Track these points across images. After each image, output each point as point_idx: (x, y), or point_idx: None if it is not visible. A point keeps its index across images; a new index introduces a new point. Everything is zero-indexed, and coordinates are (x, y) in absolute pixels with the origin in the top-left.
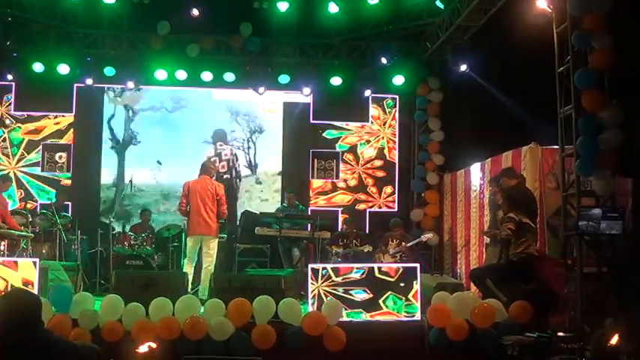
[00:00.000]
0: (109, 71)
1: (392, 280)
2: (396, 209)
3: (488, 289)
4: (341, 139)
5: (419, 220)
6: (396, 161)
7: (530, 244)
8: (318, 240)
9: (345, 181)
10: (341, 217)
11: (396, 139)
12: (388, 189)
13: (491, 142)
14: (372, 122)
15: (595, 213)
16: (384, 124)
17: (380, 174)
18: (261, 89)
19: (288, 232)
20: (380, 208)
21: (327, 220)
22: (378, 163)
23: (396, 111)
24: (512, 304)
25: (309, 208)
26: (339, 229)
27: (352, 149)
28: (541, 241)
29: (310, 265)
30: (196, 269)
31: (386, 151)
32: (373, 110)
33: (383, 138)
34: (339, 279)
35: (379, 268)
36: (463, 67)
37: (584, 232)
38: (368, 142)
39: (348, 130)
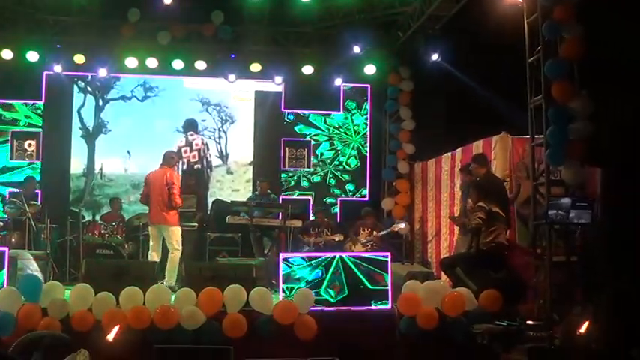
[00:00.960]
0: (79, 59)
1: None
2: (367, 198)
3: (458, 278)
4: (310, 136)
5: (390, 209)
6: (367, 150)
7: (500, 233)
8: (289, 229)
9: (309, 178)
10: (312, 206)
11: (367, 128)
12: (351, 186)
13: (462, 132)
14: (345, 114)
15: (564, 202)
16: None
17: (346, 175)
18: (232, 77)
19: (259, 221)
20: (352, 197)
21: (298, 209)
22: (348, 163)
23: (366, 100)
24: (482, 292)
25: (280, 197)
26: (311, 218)
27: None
28: (511, 230)
29: (281, 254)
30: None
31: (353, 153)
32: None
33: (352, 146)
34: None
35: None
36: (434, 57)
37: (553, 222)
38: (332, 144)
39: (319, 129)
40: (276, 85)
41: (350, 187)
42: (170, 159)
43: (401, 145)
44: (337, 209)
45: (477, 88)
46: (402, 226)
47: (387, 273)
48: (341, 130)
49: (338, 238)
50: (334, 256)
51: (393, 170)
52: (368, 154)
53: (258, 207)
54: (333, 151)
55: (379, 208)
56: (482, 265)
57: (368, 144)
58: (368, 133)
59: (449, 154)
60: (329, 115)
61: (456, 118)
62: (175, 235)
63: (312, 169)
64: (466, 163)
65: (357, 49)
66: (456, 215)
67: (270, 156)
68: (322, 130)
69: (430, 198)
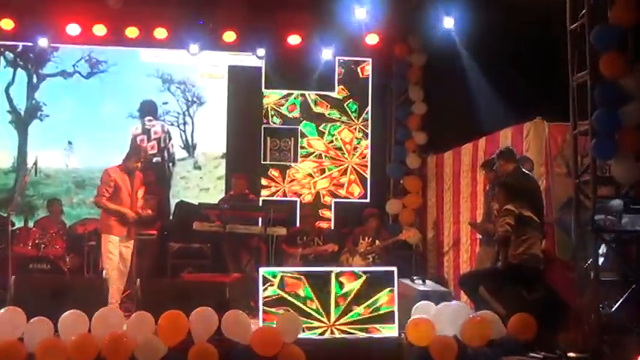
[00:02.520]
0: (6, 24)
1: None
2: (367, 199)
3: (482, 299)
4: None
5: (396, 213)
6: (369, 140)
7: (534, 243)
8: (271, 238)
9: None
10: (300, 210)
11: (369, 113)
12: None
13: (486, 117)
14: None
15: (615, 205)
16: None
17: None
18: (194, 47)
19: (234, 228)
20: (348, 198)
21: (282, 213)
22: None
23: (368, 78)
24: (512, 317)
25: (261, 198)
26: (298, 224)
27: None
28: (548, 240)
29: (262, 270)
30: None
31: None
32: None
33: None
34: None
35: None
36: (449, 23)
37: (601, 229)
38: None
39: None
40: (257, 58)
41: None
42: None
43: (410, 134)
44: (330, 213)
45: (505, 62)
46: (411, 232)
47: (394, 292)
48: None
49: (331, 249)
50: (328, 272)
51: (400, 165)
52: (369, 145)
53: (233, 210)
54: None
55: (383, 211)
56: (511, 283)
57: (369, 132)
58: (369, 119)
59: (470, 144)
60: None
61: (478, 99)
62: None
63: (300, 163)
64: (489, 158)
65: (357, 14)
66: (478, 221)
67: (247, 147)
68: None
69: (447, 199)
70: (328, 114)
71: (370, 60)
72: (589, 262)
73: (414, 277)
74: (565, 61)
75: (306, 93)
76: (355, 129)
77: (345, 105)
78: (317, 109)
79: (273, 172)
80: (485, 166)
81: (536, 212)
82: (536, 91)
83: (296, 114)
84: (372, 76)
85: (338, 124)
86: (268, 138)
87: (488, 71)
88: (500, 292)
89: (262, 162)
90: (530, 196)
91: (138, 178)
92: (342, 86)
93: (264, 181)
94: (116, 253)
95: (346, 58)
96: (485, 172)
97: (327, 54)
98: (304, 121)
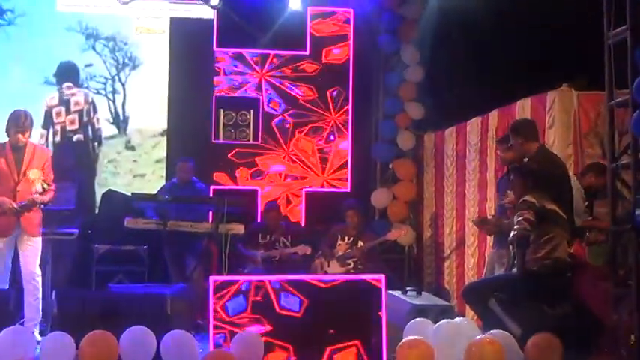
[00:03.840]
0: None
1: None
2: (348, 188)
3: (492, 315)
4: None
5: (384, 205)
6: (349, 113)
7: (559, 244)
8: (225, 237)
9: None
10: (262, 202)
11: (349, 79)
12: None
13: (499, 84)
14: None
15: None
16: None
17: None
18: None
19: (177, 225)
20: (323, 187)
21: (240, 206)
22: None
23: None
24: (531, 337)
25: (212, 187)
26: (260, 221)
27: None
28: (577, 240)
29: (213, 278)
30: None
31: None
32: None
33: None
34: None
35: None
36: None
37: None
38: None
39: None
40: (209, 8)
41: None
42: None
43: (402, 106)
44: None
45: (523, 14)
46: (402, 230)
47: (380, 306)
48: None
49: (302, 251)
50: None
51: (389, 145)
52: (350, 120)
53: (177, 202)
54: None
55: (367, 204)
56: (530, 295)
57: (350, 103)
58: (350, 88)
59: (478, 119)
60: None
61: (489, 62)
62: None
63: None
64: (505, 135)
65: None
66: (488, 217)
67: (194, 122)
68: None
69: (448, 189)
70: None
71: (352, 11)
72: (628, 268)
73: (407, 288)
74: (599, 14)
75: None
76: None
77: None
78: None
79: (228, 154)
80: (501, 144)
81: (562, 205)
82: (563, 52)
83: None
84: (353, 31)
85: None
86: (221, 111)
87: (502, 26)
88: (516, 306)
89: (214, 141)
90: (556, 185)
91: (32, 156)
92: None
93: (216, 166)
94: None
95: (320, 9)
96: (501, 152)
97: (295, 3)
98: (268, 92)
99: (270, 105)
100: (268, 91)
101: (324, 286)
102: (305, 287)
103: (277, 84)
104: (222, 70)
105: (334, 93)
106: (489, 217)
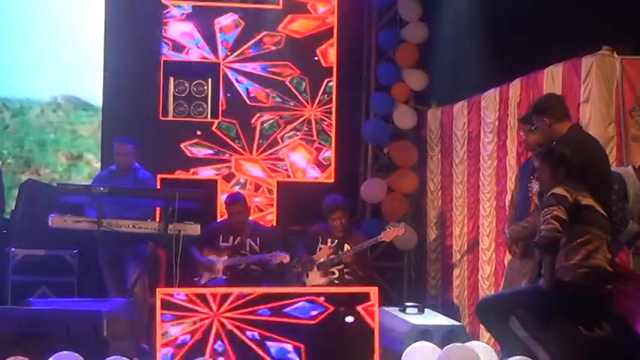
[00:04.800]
0: None
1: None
2: (332, 179)
3: (513, 338)
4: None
5: (377, 199)
6: (333, 85)
7: (597, 249)
8: (176, 240)
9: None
10: (222, 195)
11: (334, 39)
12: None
13: (521, 47)
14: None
15: None
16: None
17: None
18: None
19: (116, 224)
20: (301, 177)
21: (195, 200)
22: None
23: None
24: None
25: (159, 176)
26: (221, 219)
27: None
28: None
29: (160, 291)
30: None
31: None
32: None
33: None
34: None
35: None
36: None
37: None
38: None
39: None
40: None
41: (297, 157)
42: None
43: (400, 74)
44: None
45: None
46: (400, 230)
47: (373, 327)
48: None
49: (277, 259)
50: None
51: (383, 124)
52: (333, 91)
53: (115, 195)
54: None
55: (356, 198)
56: (561, 313)
57: (334, 70)
58: (334, 50)
59: (496, 90)
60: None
61: (510, 18)
62: None
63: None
64: (529, 112)
65: None
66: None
67: (137, 94)
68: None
69: (458, 178)
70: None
71: None
72: None
73: (407, 304)
74: None
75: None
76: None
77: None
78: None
79: (181, 134)
80: (524, 124)
81: (601, 199)
82: (603, 6)
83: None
84: None
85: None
86: (171, 79)
87: None
88: (544, 326)
89: (162, 118)
90: (593, 174)
91: None
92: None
93: (165, 149)
94: None
95: None
96: (525, 133)
97: None
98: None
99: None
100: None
101: (313, 323)
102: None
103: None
104: (172, 29)
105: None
106: (524, 225)
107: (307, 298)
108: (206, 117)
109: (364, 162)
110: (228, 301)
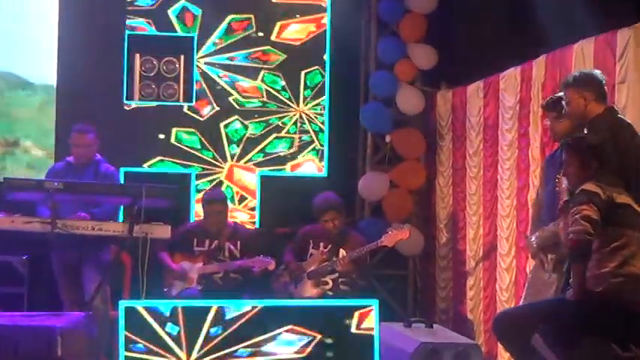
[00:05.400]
0: None
1: None
2: (324, 172)
3: (536, 357)
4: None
5: (379, 197)
6: (325, 62)
7: (635, 255)
8: (143, 243)
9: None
10: (197, 191)
11: (327, 13)
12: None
13: (547, 19)
14: None
15: None
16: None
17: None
18: None
19: (72, 226)
20: (291, 170)
21: (165, 197)
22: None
23: None
24: None
25: (123, 169)
26: (195, 220)
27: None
28: None
29: (124, 304)
30: None
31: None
32: None
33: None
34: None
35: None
36: None
37: None
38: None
39: None
40: None
41: (285, 147)
42: None
43: (405, 50)
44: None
45: None
46: (404, 233)
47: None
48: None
49: (261, 265)
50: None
51: (384, 108)
52: (327, 72)
53: (72, 192)
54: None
55: (352, 195)
56: (592, 329)
57: (326, 47)
58: (327, 19)
59: (517, 69)
60: None
61: None
62: None
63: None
64: (556, 95)
65: None
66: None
67: (98, 73)
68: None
69: (473, 172)
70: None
71: None
72: None
73: (412, 319)
74: None
75: None
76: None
77: None
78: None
79: (149, 120)
80: (550, 109)
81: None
82: None
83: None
84: None
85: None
86: (137, 56)
87: None
88: (572, 344)
89: (126, 101)
90: (630, 168)
91: None
92: None
93: (130, 138)
94: None
95: None
96: (551, 120)
97: None
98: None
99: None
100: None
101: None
102: None
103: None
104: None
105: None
106: (554, 229)
107: (289, 328)
108: (178, 100)
109: (362, 153)
110: (198, 346)
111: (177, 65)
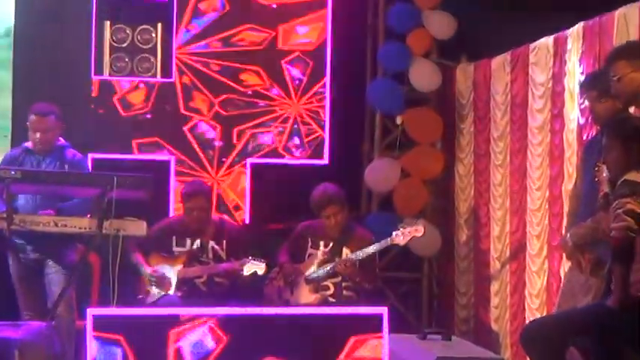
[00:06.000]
0: None
1: None
2: (325, 160)
3: None
4: None
5: (388, 188)
6: (327, 30)
7: None
8: (114, 242)
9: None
10: (175, 180)
11: None
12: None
13: None
14: None
15: None
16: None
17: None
18: None
19: (32, 222)
20: (282, 157)
21: (140, 188)
22: None
23: None
24: None
25: (91, 155)
26: (174, 214)
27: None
28: None
29: (91, 311)
30: None
31: None
32: None
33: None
34: None
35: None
36: None
37: None
38: None
39: None
40: None
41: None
42: None
43: (419, 17)
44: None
45: None
46: (419, 232)
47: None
48: None
49: (250, 269)
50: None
51: (394, 85)
52: (328, 42)
53: (31, 183)
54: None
55: (358, 185)
56: (635, 341)
57: (328, 13)
58: None
59: (548, 39)
60: None
61: None
62: None
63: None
64: (596, 71)
65: None
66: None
67: (60, 45)
68: None
69: (498, 160)
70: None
71: None
72: None
73: (427, 330)
74: None
75: None
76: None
77: None
78: None
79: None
80: (590, 87)
81: None
82: None
83: None
84: None
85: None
86: (107, 24)
87: None
88: (612, 358)
89: (94, 75)
90: None
91: None
92: None
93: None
94: None
95: None
96: (592, 100)
97: None
98: None
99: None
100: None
101: None
102: None
103: None
104: None
105: None
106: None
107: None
108: (155, 75)
109: (369, 137)
110: None
111: (153, 35)
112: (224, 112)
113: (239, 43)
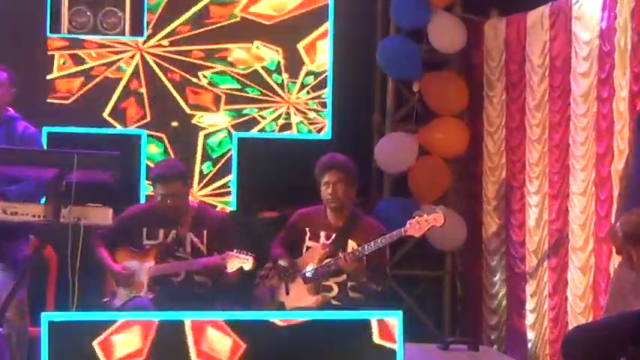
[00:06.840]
0: None
1: None
2: (327, 134)
3: None
4: None
5: (403, 168)
6: None
7: None
8: (74, 233)
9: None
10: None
11: None
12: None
13: None
14: None
15: None
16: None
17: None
18: None
19: None
20: (274, 130)
21: (105, 168)
22: None
23: None
24: None
25: (46, 130)
26: (146, 201)
27: None
28: None
29: (46, 316)
30: None
31: None
32: None
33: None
34: None
35: None
36: None
37: None
38: None
39: None
40: None
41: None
42: None
43: None
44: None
45: None
46: (440, 222)
47: None
48: None
49: (234, 264)
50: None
51: (411, 44)
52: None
53: None
54: None
55: (368, 165)
56: None
57: None
58: None
59: None
60: None
61: None
62: None
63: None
64: None
65: None
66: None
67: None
68: None
69: (534, 135)
70: None
71: None
72: None
73: (450, 339)
74: None
75: None
76: None
77: None
78: None
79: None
80: None
81: None
82: None
83: None
84: None
85: None
86: None
87: None
88: None
89: (50, 35)
90: None
91: None
92: None
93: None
94: None
95: None
96: None
97: None
98: None
99: None
100: None
101: None
102: None
103: None
104: None
105: None
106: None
107: None
108: (123, 33)
109: (380, 107)
110: None
111: (124, 5)
112: None
113: None
